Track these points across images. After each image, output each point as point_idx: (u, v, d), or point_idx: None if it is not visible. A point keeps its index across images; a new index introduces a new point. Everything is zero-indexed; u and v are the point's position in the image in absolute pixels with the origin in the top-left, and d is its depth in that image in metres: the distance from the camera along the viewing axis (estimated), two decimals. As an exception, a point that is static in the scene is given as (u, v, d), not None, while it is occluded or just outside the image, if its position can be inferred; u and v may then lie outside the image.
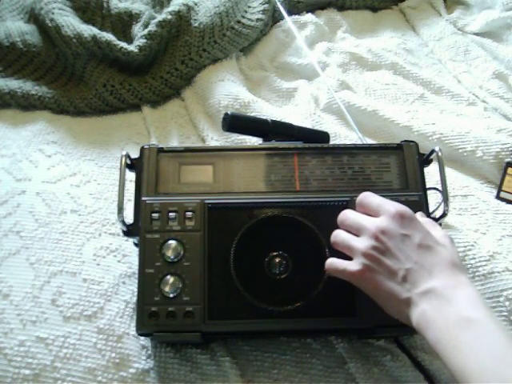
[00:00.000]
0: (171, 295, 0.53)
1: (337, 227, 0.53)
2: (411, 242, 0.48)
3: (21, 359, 0.55)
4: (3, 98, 0.85)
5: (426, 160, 0.61)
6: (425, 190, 0.59)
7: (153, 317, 0.53)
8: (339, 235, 0.52)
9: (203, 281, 0.54)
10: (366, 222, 0.50)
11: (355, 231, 0.51)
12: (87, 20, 0.91)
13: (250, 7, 0.96)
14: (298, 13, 1.04)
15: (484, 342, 0.41)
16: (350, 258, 0.51)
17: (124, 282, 0.62)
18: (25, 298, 0.59)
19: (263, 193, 0.58)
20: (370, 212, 0.52)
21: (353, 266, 0.49)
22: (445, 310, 0.44)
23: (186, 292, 0.54)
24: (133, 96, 0.85)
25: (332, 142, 0.76)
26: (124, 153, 0.59)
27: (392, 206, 0.50)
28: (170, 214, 0.56)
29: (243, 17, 0.93)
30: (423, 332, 0.45)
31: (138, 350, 0.57)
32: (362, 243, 0.49)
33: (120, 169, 0.58)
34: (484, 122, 0.82)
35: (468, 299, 0.44)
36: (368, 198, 0.53)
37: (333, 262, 0.51)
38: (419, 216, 0.53)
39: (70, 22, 0.85)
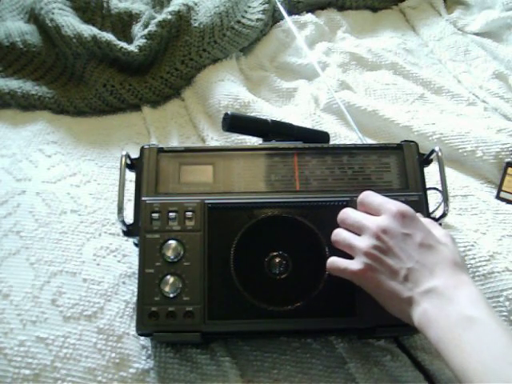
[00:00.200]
0: (171, 295, 0.53)
1: (337, 227, 0.53)
2: (413, 241, 0.48)
3: (21, 359, 0.54)
4: (3, 97, 0.85)
5: (426, 160, 0.61)
6: (425, 189, 0.59)
7: (153, 317, 0.53)
8: (340, 234, 0.52)
9: (203, 281, 0.54)
10: (367, 221, 0.50)
11: (356, 230, 0.51)
12: (87, 20, 0.91)
13: (250, 7, 0.96)
14: (298, 13, 1.04)
15: (486, 341, 0.41)
16: (350, 257, 0.51)
17: (124, 282, 0.62)
18: (25, 298, 0.59)
19: (263, 193, 0.58)
20: (371, 211, 0.52)
21: (354, 265, 0.49)
22: (446, 309, 0.44)
23: (186, 292, 0.54)
24: (133, 96, 0.85)
25: (332, 142, 0.76)
26: (124, 153, 0.59)
27: (393, 205, 0.50)
28: (170, 213, 0.56)
29: (243, 17, 0.93)
30: (425, 331, 0.45)
31: (138, 350, 0.57)
32: (363, 242, 0.49)
33: (120, 169, 0.58)
34: (484, 122, 0.82)
35: (470, 298, 0.44)
36: (369, 196, 0.53)
37: (334, 261, 0.51)
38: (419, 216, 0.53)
39: (70, 22, 0.85)
